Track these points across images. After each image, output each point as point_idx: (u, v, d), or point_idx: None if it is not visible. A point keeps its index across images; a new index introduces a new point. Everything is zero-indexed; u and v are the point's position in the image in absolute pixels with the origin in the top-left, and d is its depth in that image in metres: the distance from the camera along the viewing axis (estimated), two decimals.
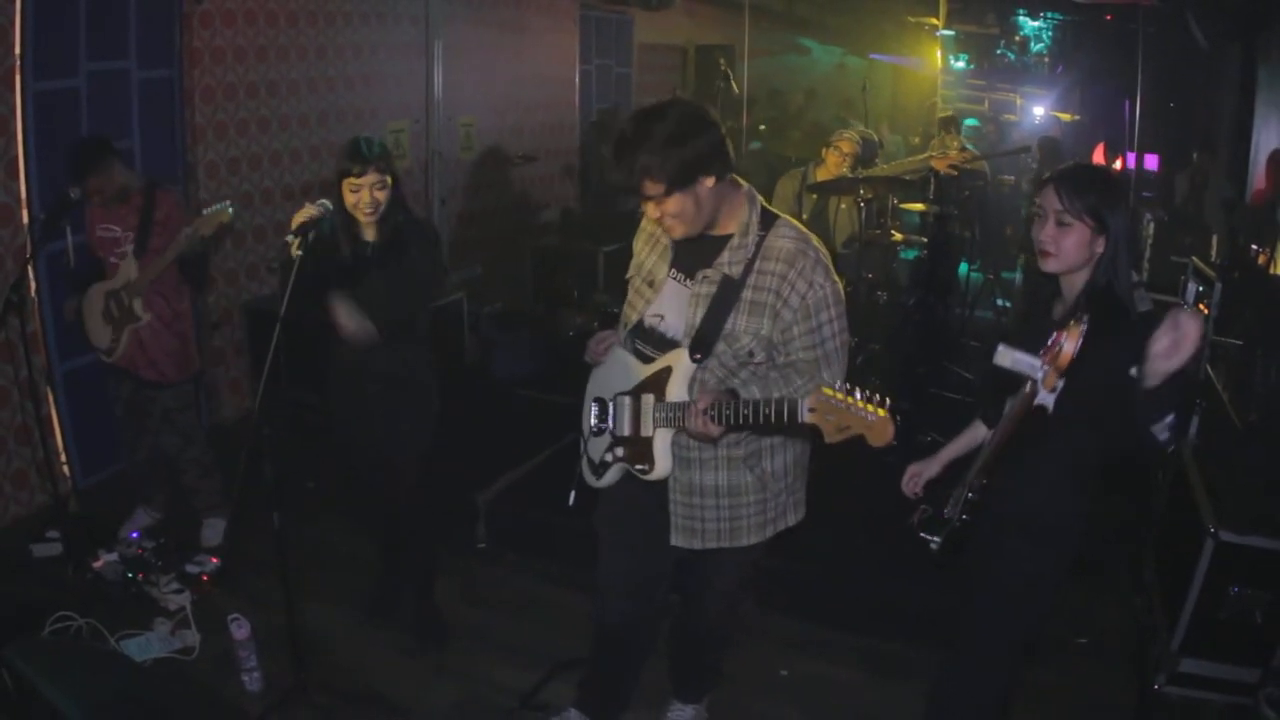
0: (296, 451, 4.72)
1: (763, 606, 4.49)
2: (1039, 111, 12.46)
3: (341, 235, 3.80)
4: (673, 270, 3.03)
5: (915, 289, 7.03)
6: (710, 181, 2.75)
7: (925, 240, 7.17)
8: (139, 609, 4.38)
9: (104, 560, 4.59)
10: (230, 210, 4.30)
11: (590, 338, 3.30)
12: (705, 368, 2.92)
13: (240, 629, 3.90)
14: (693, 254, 2.96)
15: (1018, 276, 10.70)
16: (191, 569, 4.62)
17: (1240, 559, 3.66)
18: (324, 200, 3.62)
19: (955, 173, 7.17)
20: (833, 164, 6.52)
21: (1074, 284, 2.73)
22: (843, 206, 6.60)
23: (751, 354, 2.88)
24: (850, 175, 6.35)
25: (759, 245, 2.87)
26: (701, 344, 2.90)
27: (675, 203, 2.75)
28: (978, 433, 3.19)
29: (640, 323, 3.10)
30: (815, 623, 4.49)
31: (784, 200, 6.60)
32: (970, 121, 12.88)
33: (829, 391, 2.47)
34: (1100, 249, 2.64)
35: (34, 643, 3.78)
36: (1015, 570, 2.90)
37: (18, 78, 4.97)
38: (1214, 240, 6.46)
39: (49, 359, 5.33)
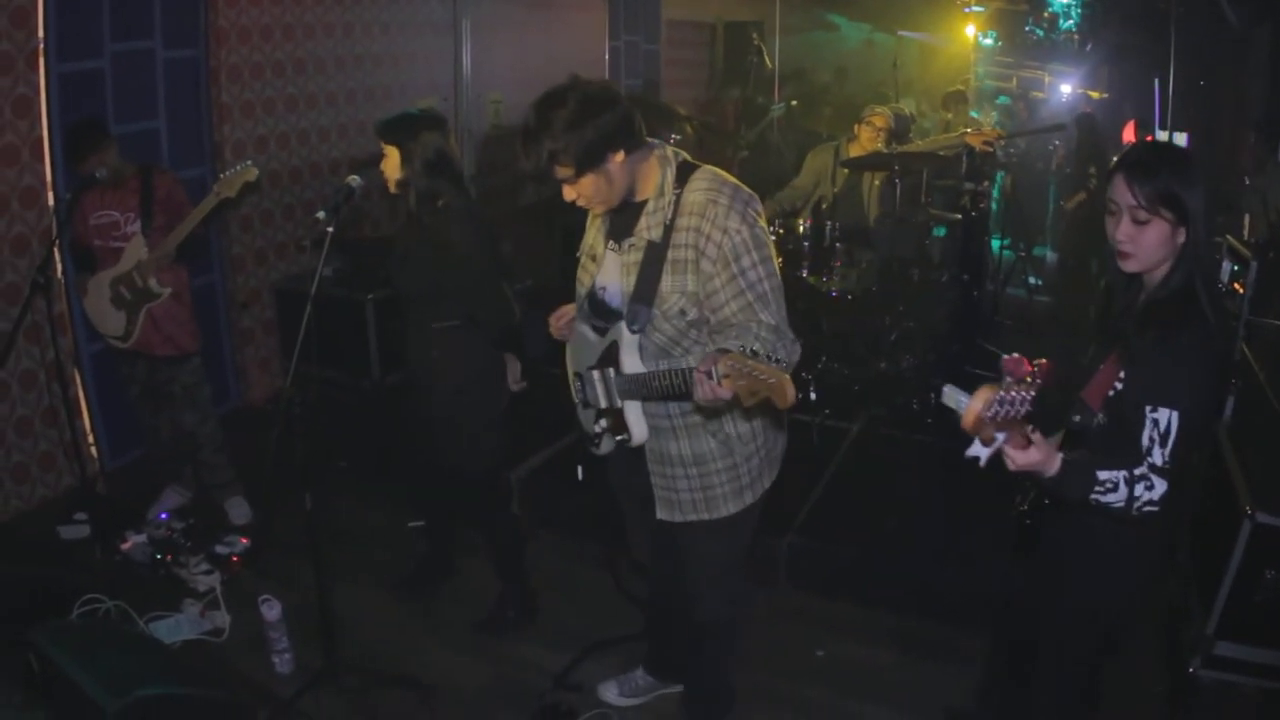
0: (328, 432, 4.68)
1: (799, 588, 4.47)
2: (1066, 89, 12.33)
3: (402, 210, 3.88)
4: (609, 241, 3.06)
5: (948, 266, 6.94)
6: (619, 157, 2.77)
7: (958, 217, 7.07)
8: (168, 590, 4.36)
9: (132, 542, 4.59)
10: (254, 169, 4.33)
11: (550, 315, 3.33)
12: (646, 335, 2.91)
13: (271, 610, 3.88)
14: (620, 223, 3.00)
15: (1048, 254, 10.64)
16: (221, 550, 4.61)
17: (1277, 541, 3.57)
18: (354, 176, 3.59)
19: (990, 149, 7.05)
20: (866, 139, 6.42)
21: (1156, 279, 2.48)
22: (876, 183, 6.51)
23: (683, 312, 2.85)
24: (884, 151, 6.25)
25: (676, 203, 2.86)
26: (636, 313, 2.90)
27: (588, 183, 2.80)
28: None
29: (590, 295, 3.13)
30: (851, 603, 4.43)
31: (815, 174, 6.52)
32: (1002, 100, 12.74)
33: (736, 356, 2.34)
34: (1183, 239, 2.38)
35: (62, 625, 3.79)
36: (1090, 593, 2.71)
37: (41, 60, 4.95)
38: (1246, 219, 6.32)
39: (76, 341, 5.31)
